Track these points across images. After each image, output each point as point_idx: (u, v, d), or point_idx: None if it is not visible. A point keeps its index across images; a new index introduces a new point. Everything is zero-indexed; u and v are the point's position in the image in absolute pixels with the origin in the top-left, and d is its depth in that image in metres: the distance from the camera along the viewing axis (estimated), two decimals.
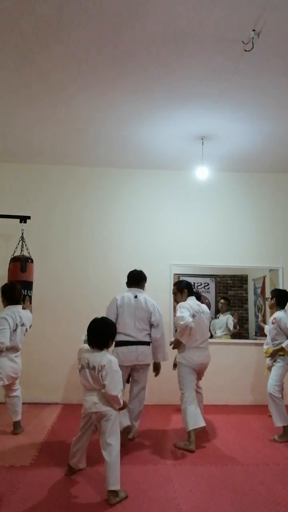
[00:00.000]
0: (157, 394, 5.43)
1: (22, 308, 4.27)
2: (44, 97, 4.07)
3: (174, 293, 4.47)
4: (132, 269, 4.30)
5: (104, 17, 2.94)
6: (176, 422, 4.62)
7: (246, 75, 3.61)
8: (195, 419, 3.91)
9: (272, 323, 4.47)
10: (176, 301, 4.35)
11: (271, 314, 4.72)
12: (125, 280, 4.23)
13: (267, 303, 5.27)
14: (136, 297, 4.11)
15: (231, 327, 5.96)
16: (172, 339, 4.28)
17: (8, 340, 3.92)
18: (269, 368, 4.53)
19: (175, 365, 4.20)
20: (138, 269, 4.38)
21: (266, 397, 4.34)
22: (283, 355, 4.31)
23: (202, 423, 3.95)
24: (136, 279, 4.28)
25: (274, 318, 4.45)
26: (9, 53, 3.38)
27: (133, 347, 3.95)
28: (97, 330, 3.08)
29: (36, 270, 5.12)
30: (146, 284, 4.22)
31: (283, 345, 4.27)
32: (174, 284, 4.57)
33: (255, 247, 5.94)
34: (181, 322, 3.91)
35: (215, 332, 6.02)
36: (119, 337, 3.82)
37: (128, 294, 4.15)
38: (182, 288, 4.33)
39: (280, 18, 2.91)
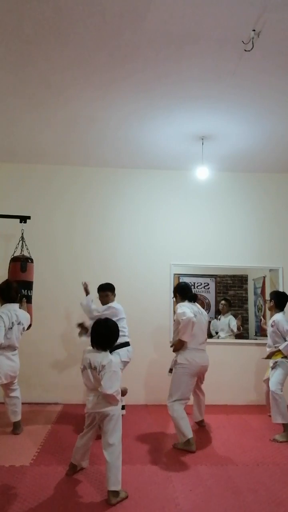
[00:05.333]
0: (157, 394, 5.43)
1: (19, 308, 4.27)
2: (46, 98, 4.07)
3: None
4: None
5: (104, 19, 2.94)
6: None
7: (246, 75, 3.60)
8: (189, 429, 3.88)
9: (272, 325, 4.47)
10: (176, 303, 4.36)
11: (271, 316, 4.72)
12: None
13: (267, 305, 5.27)
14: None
15: (235, 329, 5.93)
16: (172, 340, 4.25)
17: (2, 337, 3.91)
18: (273, 368, 4.52)
19: (171, 370, 4.13)
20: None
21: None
22: (285, 357, 4.31)
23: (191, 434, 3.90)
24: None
25: (273, 321, 4.46)
26: (10, 55, 3.38)
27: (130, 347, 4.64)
28: (101, 331, 3.09)
29: (36, 270, 5.12)
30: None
31: (280, 347, 4.27)
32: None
33: (255, 247, 5.93)
34: (183, 317, 3.93)
35: (217, 334, 6.00)
36: (124, 339, 4.47)
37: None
38: (174, 293, 4.41)
39: (280, 18, 2.91)
